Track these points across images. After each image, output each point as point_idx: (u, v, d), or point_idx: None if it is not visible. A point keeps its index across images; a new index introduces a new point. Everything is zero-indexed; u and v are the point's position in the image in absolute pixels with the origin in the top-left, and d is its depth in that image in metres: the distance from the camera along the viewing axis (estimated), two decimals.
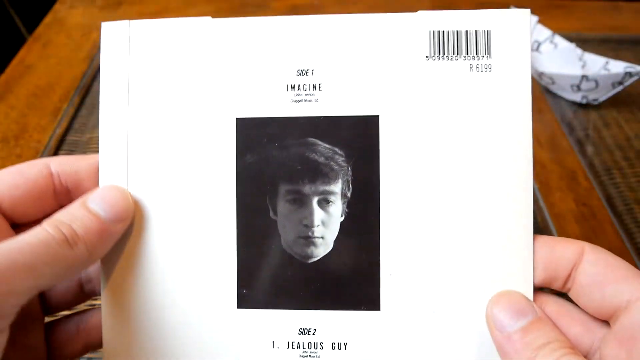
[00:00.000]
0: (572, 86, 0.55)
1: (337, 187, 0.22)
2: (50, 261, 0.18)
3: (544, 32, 0.60)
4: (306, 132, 0.22)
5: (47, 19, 0.66)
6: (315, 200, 0.22)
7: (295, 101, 0.22)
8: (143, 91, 0.23)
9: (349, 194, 0.22)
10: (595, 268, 0.20)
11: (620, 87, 0.54)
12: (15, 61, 0.59)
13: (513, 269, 0.21)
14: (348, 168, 0.22)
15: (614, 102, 0.57)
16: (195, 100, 0.23)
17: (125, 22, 0.24)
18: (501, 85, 0.22)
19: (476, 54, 0.22)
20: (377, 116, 0.22)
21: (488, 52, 0.22)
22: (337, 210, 0.22)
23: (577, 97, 0.56)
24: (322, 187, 0.22)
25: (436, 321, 0.22)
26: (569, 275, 0.20)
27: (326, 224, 0.22)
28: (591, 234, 0.43)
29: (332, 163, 0.22)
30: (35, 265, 0.18)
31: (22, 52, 0.60)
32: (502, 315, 0.20)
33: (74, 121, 0.52)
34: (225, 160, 0.22)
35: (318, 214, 0.22)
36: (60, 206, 0.22)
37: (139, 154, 0.23)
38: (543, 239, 0.21)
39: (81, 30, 0.64)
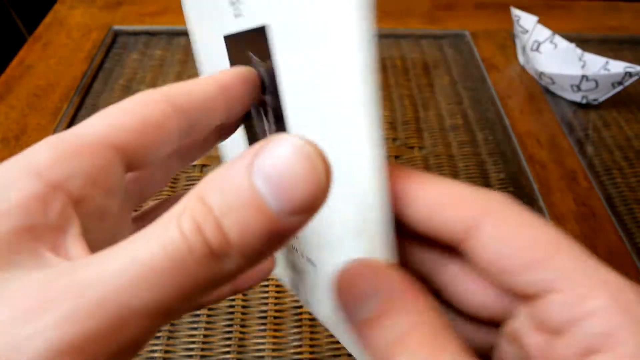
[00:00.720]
0: (572, 86, 0.55)
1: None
2: (178, 275, 0.11)
3: (543, 32, 0.60)
4: (242, 45, 0.20)
5: (47, 19, 0.66)
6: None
7: (235, 16, 0.19)
8: None
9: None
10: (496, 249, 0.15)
11: (620, 87, 0.54)
12: (15, 61, 0.59)
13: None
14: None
15: (613, 102, 0.57)
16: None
17: None
18: None
19: None
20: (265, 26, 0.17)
21: None
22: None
23: (577, 97, 0.56)
24: None
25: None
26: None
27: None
28: (591, 234, 0.43)
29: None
30: (154, 283, 0.11)
31: (22, 52, 0.60)
32: (346, 301, 0.15)
33: (74, 121, 0.52)
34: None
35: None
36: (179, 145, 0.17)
37: None
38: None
39: (81, 31, 0.64)
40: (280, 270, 0.22)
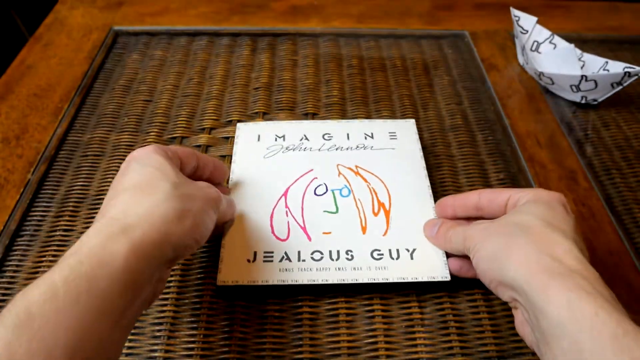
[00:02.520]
0: (571, 86, 0.55)
1: None
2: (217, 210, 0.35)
3: (543, 33, 0.60)
4: None
5: (48, 19, 0.67)
6: None
7: None
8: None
9: None
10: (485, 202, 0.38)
11: (619, 88, 0.54)
12: (16, 61, 0.59)
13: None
14: None
15: (613, 102, 0.57)
16: None
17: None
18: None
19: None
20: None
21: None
22: None
23: (576, 97, 0.56)
24: None
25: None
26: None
27: None
28: (590, 234, 0.43)
29: None
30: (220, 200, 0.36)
31: (23, 53, 0.61)
32: (427, 230, 0.40)
33: (75, 121, 0.53)
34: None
35: None
36: (195, 173, 0.38)
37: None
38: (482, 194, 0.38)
39: (82, 31, 0.64)
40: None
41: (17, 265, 0.40)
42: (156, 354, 0.35)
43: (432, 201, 0.42)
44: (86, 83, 0.57)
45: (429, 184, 0.44)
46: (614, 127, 0.55)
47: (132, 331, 0.36)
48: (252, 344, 0.36)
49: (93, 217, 0.43)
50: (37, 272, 0.40)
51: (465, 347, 0.36)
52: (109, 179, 0.47)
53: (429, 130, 0.53)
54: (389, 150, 0.46)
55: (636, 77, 0.52)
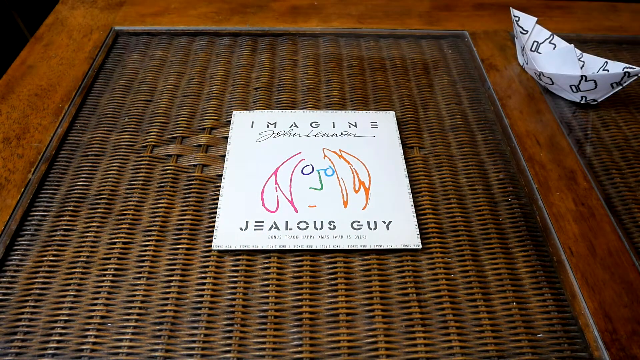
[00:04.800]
0: (571, 86, 0.55)
1: None
2: None
3: (543, 33, 0.60)
4: None
5: (49, 19, 0.67)
6: None
7: None
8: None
9: None
10: None
11: (618, 88, 0.54)
12: (17, 62, 0.59)
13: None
14: None
15: (612, 102, 0.57)
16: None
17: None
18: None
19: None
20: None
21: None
22: None
23: (576, 97, 0.57)
24: None
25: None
26: None
27: None
28: (590, 234, 0.43)
29: None
30: None
31: (23, 53, 0.61)
32: None
33: (76, 121, 0.53)
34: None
35: None
36: None
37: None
38: None
39: (83, 31, 0.64)
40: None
41: (17, 265, 0.40)
42: (157, 354, 0.35)
43: (408, 181, 0.47)
44: (87, 83, 0.57)
45: (405, 166, 0.48)
46: (613, 127, 0.55)
47: (133, 331, 0.36)
48: (252, 344, 0.36)
49: (93, 217, 0.44)
50: (37, 272, 0.40)
51: (465, 346, 0.36)
52: (110, 179, 0.47)
53: (429, 130, 0.53)
54: (370, 138, 0.51)
55: (636, 77, 0.52)
